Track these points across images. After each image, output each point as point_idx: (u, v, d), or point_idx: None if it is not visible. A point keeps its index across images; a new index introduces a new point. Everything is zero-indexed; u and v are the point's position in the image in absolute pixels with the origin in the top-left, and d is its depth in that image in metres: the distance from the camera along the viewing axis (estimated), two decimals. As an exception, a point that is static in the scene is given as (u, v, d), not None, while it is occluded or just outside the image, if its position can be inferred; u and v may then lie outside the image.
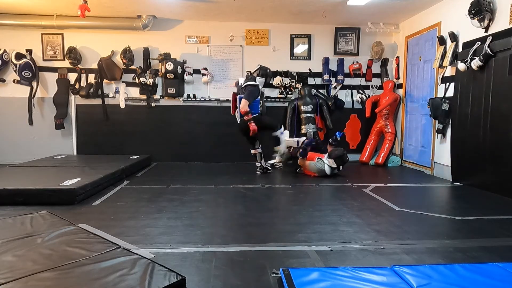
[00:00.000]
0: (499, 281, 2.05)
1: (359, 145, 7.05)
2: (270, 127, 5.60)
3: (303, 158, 5.49)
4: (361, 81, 7.07)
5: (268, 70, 5.63)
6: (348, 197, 4.21)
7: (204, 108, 6.85)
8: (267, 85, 6.07)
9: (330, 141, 5.72)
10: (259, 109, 5.60)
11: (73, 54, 6.41)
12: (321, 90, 6.95)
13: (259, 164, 5.68)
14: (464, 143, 4.86)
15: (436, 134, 5.52)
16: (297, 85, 6.77)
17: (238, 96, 5.45)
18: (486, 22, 4.43)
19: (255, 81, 5.38)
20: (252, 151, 5.69)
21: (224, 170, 6.00)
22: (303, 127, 6.66)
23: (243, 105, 5.10)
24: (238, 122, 5.51)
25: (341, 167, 5.40)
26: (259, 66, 5.59)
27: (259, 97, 5.50)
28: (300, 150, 5.51)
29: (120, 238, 2.78)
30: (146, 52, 6.58)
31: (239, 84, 5.55)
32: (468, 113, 4.77)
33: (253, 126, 5.18)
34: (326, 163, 5.28)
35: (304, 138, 5.88)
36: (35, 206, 3.56)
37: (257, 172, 5.64)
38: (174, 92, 6.58)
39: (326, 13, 6.09)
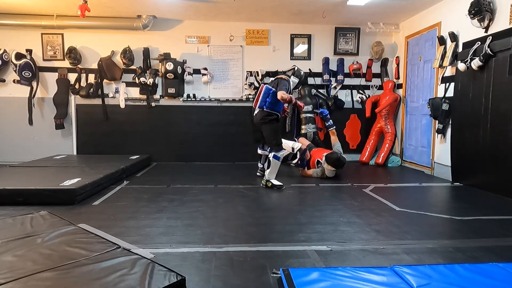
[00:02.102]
0: (499, 281, 2.05)
1: (359, 145, 7.05)
2: (275, 142, 4.73)
3: (304, 169, 5.43)
4: (361, 81, 7.07)
5: (302, 73, 5.13)
6: (348, 197, 4.21)
7: (204, 108, 6.85)
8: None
9: (320, 115, 5.65)
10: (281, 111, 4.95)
11: (73, 54, 6.41)
12: (321, 90, 6.96)
13: (261, 166, 5.43)
14: (464, 143, 4.86)
15: (436, 134, 5.52)
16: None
17: (264, 86, 4.82)
18: (486, 22, 4.43)
19: (289, 77, 4.94)
20: (260, 151, 5.43)
21: (224, 170, 6.00)
22: (303, 127, 6.66)
23: (283, 94, 4.48)
24: (254, 114, 4.89)
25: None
26: (294, 66, 5.15)
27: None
28: (298, 162, 5.43)
29: (120, 238, 2.78)
30: (146, 52, 6.58)
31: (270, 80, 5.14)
32: (468, 113, 4.77)
33: (300, 103, 4.81)
34: (326, 167, 5.20)
35: (298, 145, 5.48)
36: (35, 206, 3.56)
37: (257, 174, 5.43)
38: (174, 92, 6.58)
39: (326, 13, 6.09)
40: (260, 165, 5.47)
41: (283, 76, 4.84)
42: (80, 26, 6.36)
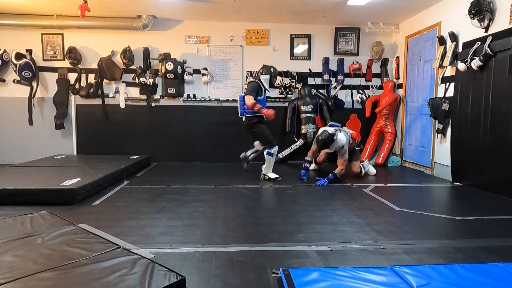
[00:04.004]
0: (499, 281, 2.05)
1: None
2: (267, 141, 5.15)
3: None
4: (361, 81, 7.07)
5: (272, 69, 5.31)
6: (348, 197, 4.21)
7: (204, 108, 6.85)
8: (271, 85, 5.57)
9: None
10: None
11: (73, 54, 6.42)
12: (321, 90, 6.95)
13: (243, 154, 5.53)
14: (464, 143, 4.86)
15: (436, 134, 5.52)
16: (297, 85, 6.78)
17: (239, 95, 5.37)
18: (486, 22, 4.43)
19: (258, 79, 5.20)
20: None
21: (224, 170, 6.00)
22: (303, 127, 6.66)
23: (247, 100, 4.95)
24: (243, 121, 5.28)
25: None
26: (262, 66, 5.45)
27: (264, 96, 5.21)
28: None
29: (120, 238, 2.78)
30: (146, 52, 6.58)
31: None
32: (468, 113, 4.77)
33: (267, 111, 4.95)
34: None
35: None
36: (35, 206, 3.56)
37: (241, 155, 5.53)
38: (174, 92, 6.58)
39: (326, 13, 6.09)
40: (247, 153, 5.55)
41: (251, 80, 5.19)
42: (80, 26, 6.36)
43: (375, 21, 6.64)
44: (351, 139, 5.14)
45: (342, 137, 4.95)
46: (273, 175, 5.12)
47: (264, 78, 5.19)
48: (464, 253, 2.58)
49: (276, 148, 5.14)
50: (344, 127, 5.25)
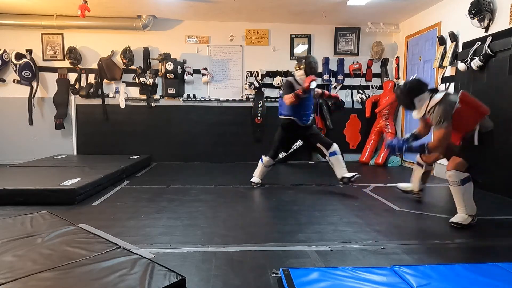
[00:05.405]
0: (499, 281, 2.05)
1: (359, 145, 7.05)
2: (272, 146, 4.74)
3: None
4: (361, 81, 7.07)
5: (303, 60, 4.53)
6: (348, 197, 4.21)
7: (204, 108, 6.85)
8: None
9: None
10: (307, 111, 4.59)
11: (73, 54, 6.42)
12: (321, 90, 6.95)
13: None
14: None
15: (436, 134, 5.51)
16: (297, 85, 6.76)
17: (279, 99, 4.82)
18: (486, 22, 4.43)
19: (292, 76, 4.69)
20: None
21: (224, 170, 6.00)
22: (303, 127, 6.64)
23: (286, 100, 4.41)
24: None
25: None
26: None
27: (307, 95, 4.46)
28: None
29: (120, 238, 2.78)
30: (146, 52, 6.58)
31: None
32: (468, 113, 4.76)
33: (305, 84, 4.29)
34: None
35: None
36: (35, 206, 3.56)
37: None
38: (174, 92, 6.58)
39: (326, 13, 6.09)
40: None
41: (287, 79, 4.68)
42: (80, 26, 6.36)
43: (375, 21, 6.65)
44: (459, 103, 3.05)
45: (439, 96, 3.09)
46: (254, 179, 4.77)
47: (299, 75, 4.53)
48: (464, 253, 2.59)
49: (266, 159, 4.69)
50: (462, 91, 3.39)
